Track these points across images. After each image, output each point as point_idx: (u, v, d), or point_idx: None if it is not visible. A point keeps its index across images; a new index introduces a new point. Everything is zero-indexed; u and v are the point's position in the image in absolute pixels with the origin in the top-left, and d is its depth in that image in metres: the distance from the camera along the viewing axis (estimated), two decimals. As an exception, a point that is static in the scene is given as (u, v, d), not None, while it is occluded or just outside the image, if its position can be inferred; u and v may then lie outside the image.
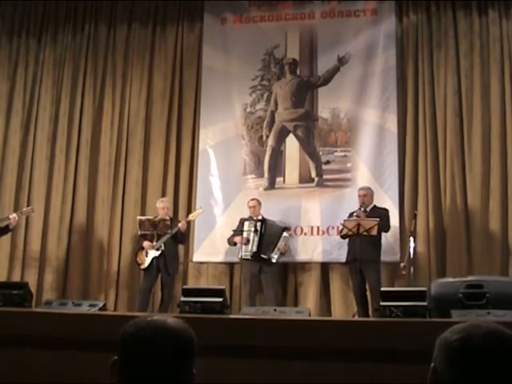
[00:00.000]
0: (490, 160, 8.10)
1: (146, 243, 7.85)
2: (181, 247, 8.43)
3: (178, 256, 8.22)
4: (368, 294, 7.40)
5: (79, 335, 4.25)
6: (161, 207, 8.04)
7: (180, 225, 7.87)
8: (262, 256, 7.74)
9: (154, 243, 7.79)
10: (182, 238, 8.10)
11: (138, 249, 8.01)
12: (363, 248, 7.17)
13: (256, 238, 7.76)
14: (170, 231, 7.78)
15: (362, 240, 7.18)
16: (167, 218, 7.95)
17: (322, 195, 8.51)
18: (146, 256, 7.82)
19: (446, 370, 1.46)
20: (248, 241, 7.76)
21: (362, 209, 7.54)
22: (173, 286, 8.02)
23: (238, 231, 7.87)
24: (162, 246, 7.79)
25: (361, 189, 7.77)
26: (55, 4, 9.55)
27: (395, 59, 8.54)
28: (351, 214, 7.58)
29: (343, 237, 7.49)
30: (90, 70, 9.30)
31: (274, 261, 7.79)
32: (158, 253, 7.76)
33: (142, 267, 7.87)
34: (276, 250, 7.80)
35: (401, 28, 8.74)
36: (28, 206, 8.69)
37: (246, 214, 8.05)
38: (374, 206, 7.69)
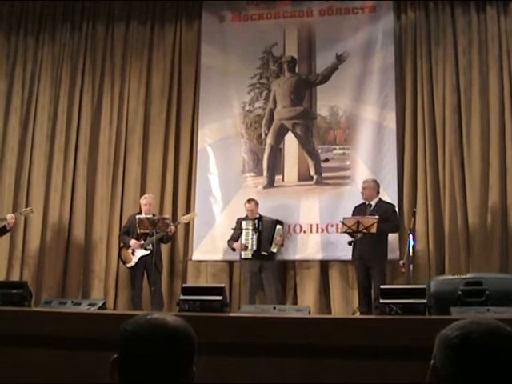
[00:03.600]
0: (488, 156, 8.10)
1: (133, 242, 7.86)
2: (179, 246, 8.50)
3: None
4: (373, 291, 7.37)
5: (79, 334, 4.25)
6: (143, 203, 8.08)
7: (169, 229, 7.86)
8: (262, 253, 7.76)
9: (141, 242, 7.81)
10: (168, 239, 8.10)
11: (122, 246, 8.02)
12: (369, 246, 7.17)
13: (255, 237, 7.77)
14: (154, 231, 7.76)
15: (368, 238, 7.17)
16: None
17: (321, 193, 8.51)
18: (133, 254, 7.83)
19: (446, 367, 1.46)
20: (246, 247, 7.77)
21: (367, 203, 7.54)
22: (161, 283, 8.03)
23: (237, 230, 7.88)
24: (150, 245, 7.79)
25: (362, 182, 7.76)
26: (53, 2, 9.53)
27: (393, 56, 8.55)
28: (356, 208, 7.57)
29: (349, 234, 7.43)
30: (88, 68, 9.29)
31: (274, 250, 7.83)
32: (146, 252, 7.78)
33: (129, 265, 7.90)
34: (273, 244, 7.84)
35: (399, 25, 8.73)
36: (27, 204, 8.71)
37: (245, 213, 8.05)
38: (380, 199, 7.66)
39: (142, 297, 7.87)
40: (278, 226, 7.96)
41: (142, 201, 8.11)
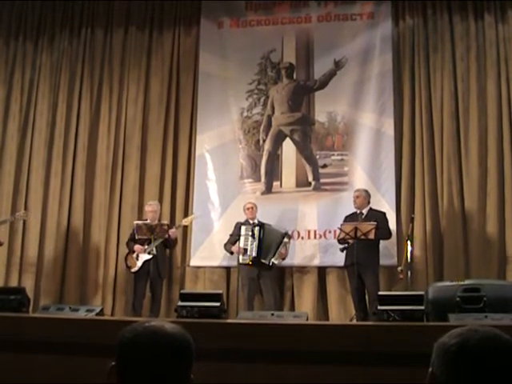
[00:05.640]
0: (486, 163, 8.11)
1: (137, 247, 7.86)
2: (177, 252, 8.48)
3: (167, 260, 8.26)
4: (367, 297, 7.40)
5: (76, 340, 4.24)
6: (149, 210, 8.08)
7: (171, 232, 7.86)
8: (263, 261, 7.70)
9: (145, 247, 7.81)
10: (172, 243, 8.11)
11: (128, 252, 8.02)
12: (361, 252, 7.16)
13: (255, 243, 7.70)
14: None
15: (360, 244, 7.17)
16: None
17: (318, 199, 8.51)
18: (137, 259, 7.84)
19: (444, 375, 1.46)
20: (245, 250, 7.71)
21: (358, 211, 7.57)
22: (162, 289, 8.03)
23: (235, 236, 7.85)
24: (154, 249, 7.79)
25: (354, 191, 7.82)
26: (52, 8, 9.55)
27: (392, 63, 8.56)
28: (346, 218, 7.60)
29: (340, 241, 7.45)
30: (86, 74, 9.29)
31: (275, 262, 7.74)
32: (149, 256, 7.78)
33: (133, 270, 7.89)
34: (277, 255, 7.77)
35: (397, 31, 8.76)
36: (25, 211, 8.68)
37: (243, 219, 8.04)
38: (370, 208, 7.70)
39: (143, 303, 7.83)
40: (285, 240, 7.89)
41: (148, 208, 8.12)
